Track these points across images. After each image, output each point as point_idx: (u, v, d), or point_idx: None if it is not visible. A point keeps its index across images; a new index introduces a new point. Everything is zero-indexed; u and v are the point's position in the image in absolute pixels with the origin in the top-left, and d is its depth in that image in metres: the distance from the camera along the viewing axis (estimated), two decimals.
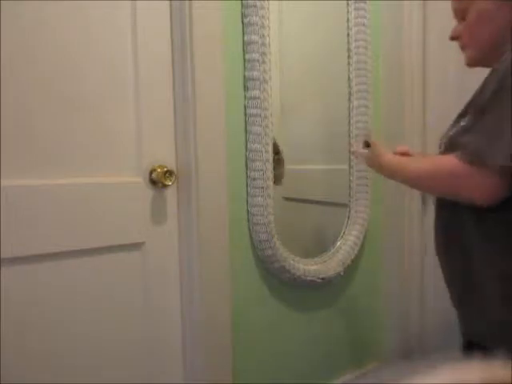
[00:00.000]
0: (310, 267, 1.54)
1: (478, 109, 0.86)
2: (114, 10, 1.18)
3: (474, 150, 0.83)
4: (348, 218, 1.70)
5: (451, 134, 0.96)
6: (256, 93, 1.35)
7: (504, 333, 0.88)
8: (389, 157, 1.09)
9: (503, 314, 0.89)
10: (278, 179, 1.51)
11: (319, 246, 1.68)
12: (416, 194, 1.79)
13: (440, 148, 1.01)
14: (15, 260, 1.04)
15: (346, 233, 1.68)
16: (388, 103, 1.78)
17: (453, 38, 1.02)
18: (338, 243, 1.66)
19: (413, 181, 1.01)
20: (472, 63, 1.01)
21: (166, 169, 1.23)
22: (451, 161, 0.86)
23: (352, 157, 1.65)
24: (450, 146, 0.94)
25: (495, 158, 0.80)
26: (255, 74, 1.35)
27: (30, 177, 1.07)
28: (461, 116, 0.96)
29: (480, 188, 0.84)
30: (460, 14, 0.98)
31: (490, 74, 0.87)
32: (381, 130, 1.76)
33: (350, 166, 1.68)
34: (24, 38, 1.05)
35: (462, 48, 1.02)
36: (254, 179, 1.37)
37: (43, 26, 1.07)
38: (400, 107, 1.76)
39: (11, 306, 1.04)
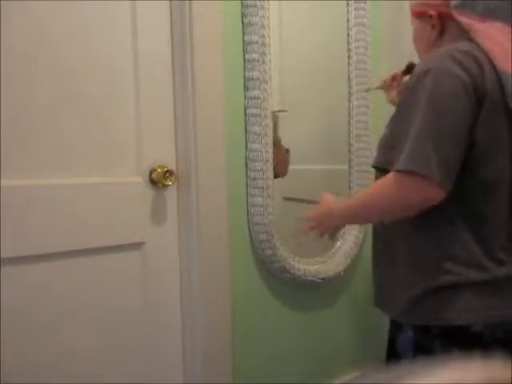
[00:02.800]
0: (309, 267, 1.54)
1: (392, 117, 0.99)
2: (114, 10, 1.18)
3: (402, 160, 0.88)
4: None
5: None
6: (256, 93, 1.35)
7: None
8: (336, 206, 1.08)
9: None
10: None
11: (319, 245, 1.68)
12: None
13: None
14: (15, 260, 1.04)
15: (345, 233, 1.68)
16: (388, 103, 1.78)
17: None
18: (338, 243, 1.66)
19: (363, 209, 1.00)
20: None
21: (165, 169, 1.23)
22: (387, 177, 0.91)
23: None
24: (378, 150, 1.04)
25: (426, 169, 0.85)
26: (255, 74, 1.35)
27: (30, 177, 1.07)
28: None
29: (426, 189, 0.88)
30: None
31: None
32: (381, 130, 1.75)
33: (350, 166, 1.68)
34: (24, 39, 1.05)
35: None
36: (254, 179, 1.37)
37: (43, 26, 1.07)
38: None
39: (11, 305, 1.04)
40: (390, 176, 0.90)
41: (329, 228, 1.13)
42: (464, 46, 0.92)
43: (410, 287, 0.96)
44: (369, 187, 1.03)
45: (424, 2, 1.02)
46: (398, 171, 0.88)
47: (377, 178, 1.01)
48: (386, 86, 1.38)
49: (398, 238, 1.00)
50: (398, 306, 0.99)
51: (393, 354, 1.04)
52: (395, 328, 1.03)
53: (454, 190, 0.88)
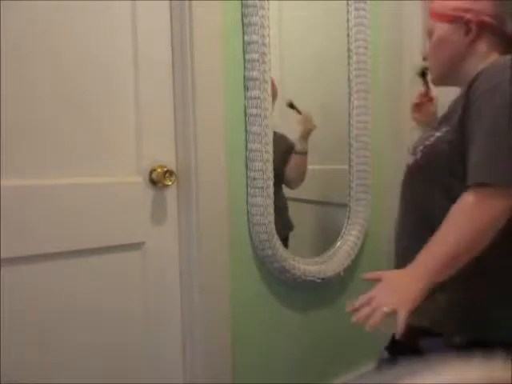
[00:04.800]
0: (309, 267, 1.54)
1: (480, 127, 0.86)
2: (114, 10, 1.18)
3: (494, 172, 0.82)
4: (348, 218, 1.69)
5: (427, 142, 0.97)
6: (256, 93, 1.35)
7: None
8: (414, 265, 0.86)
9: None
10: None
11: (319, 246, 1.68)
12: None
13: (415, 155, 1.01)
14: (15, 260, 1.04)
15: (345, 233, 1.68)
16: (388, 103, 1.78)
17: (424, 58, 1.10)
18: (338, 243, 1.66)
19: (456, 245, 0.83)
20: (437, 82, 1.09)
21: (165, 169, 1.23)
22: (466, 199, 0.83)
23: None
24: (428, 154, 0.96)
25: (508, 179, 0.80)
26: (255, 73, 1.35)
27: (30, 177, 1.07)
28: (436, 128, 0.99)
29: (504, 203, 0.82)
30: (429, 35, 1.05)
31: (467, 90, 0.90)
32: (381, 131, 1.76)
33: (350, 166, 1.68)
34: (24, 39, 1.05)
35: (429, 68, 1.09)
36: (254, 179, 1.37)
37: (43, 26, 1.07)
38: (400, 107, 1.76)
39: (11, 306, 1.04)
40: (483, 193, 0.82)
41: (407, 303, 0.80)
42: None
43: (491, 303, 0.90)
44: (449, 222, 0.84)
45: (459, 7, 0.97)
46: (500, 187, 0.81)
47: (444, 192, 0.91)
48: (414, 107, 1.29)
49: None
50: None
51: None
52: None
53: None
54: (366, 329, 0.78)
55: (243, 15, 1.34)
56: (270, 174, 1.39)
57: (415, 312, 0.88)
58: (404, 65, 1.76)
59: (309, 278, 1.52)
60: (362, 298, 0.83)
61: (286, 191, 1.62)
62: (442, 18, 1.01)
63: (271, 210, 1.40)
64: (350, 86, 1.66)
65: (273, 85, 1.42)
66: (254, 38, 1.34)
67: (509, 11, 0.95)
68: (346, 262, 1.63)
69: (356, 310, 0.83)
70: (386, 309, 0.78)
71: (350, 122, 1.67)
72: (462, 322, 0.92)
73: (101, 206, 1.16)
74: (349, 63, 1.65)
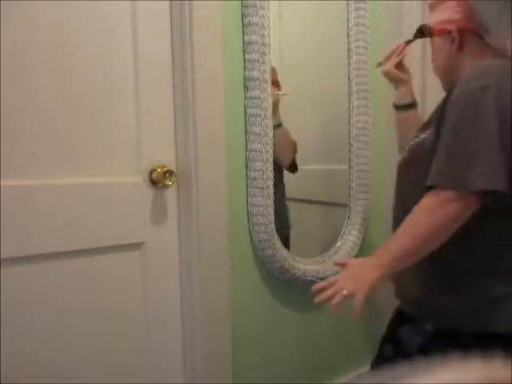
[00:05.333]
0: (309, 267, 1.54)
1: (445, 131, 0.92)
2: (114, 10, 1.18)
3: (453, 177, 0.88)
4: (348, 217, 1.70)
5: (414, 142, 1.04)
6: (256, 93, 1.35)
7: None
8: (375, 255, 0.95)
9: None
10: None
11: (319, 246, 1.68)
12: None
13: (403, 154, 1.08)
14: (15, 260, 1.04)
15: (345, 233, 1.68)
16: (388, 103, 1.78)
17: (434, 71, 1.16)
18: (338, 243, 1.66)
19: (414, 240, 0.91)
20: (443, 88, 1.13)
21: (165, 169, 1.23)
22: (429, 199, 0.90)
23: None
24: (414, 153, 1.03)
25: (476, 182, 0.86)
26: (255, 73, 1.35)
27: (30, 177, 1.07)
28: (423, 128, 1.05)
29: (464, 206, 0.88)
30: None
31: (447, 95, 0.96)
32: (381, 131, 1.76)
33: (350, 166, 1.68)
34: (24, 39, 1.05)
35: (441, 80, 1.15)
36: (254, 179, 1.37)
37: (43, 26, 1.07)
38: None
39: (11, 306, 1.04)
40: (445, 195, 0.87)
41: (365, 287, 0.90)
42: (505, 61, 0.93)
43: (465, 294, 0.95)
44: (410, 217, 0.91)
45: (443, 19, 1.05)
46: (462, 191, 0.86)
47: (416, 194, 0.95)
48: (386, 58, 1.33)
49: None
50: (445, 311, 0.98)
51: (392, 341, 1.07)
52: (402, 316, 1.05)
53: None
54: (328, 308, 0.90)
55: (243, 15, 1.34)
56: (270, 174, 1.40)
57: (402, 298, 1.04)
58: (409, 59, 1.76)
59: (309, 278, 1.52)
60: (328, 281, 0.93)
61: (287, 191, 1.62)
62: (434, 33, 1.09)
63: (271, 210, 1.40)
64: (349, 86, 1.66)
65: (275, 79, 1.41)
66: (254, 38, 1.34)
67: (488, 17, 0.99)
68: None
69: (320, 290, 0.93)
70: (345, 292, 0.89)
71: (350, 121, 1.67)
72: (430, 310, 1.01)
73: (101, 205, 1.16)
74: (349, 63, 1.65)
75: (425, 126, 1.05)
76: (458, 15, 1.02)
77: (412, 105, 1.29)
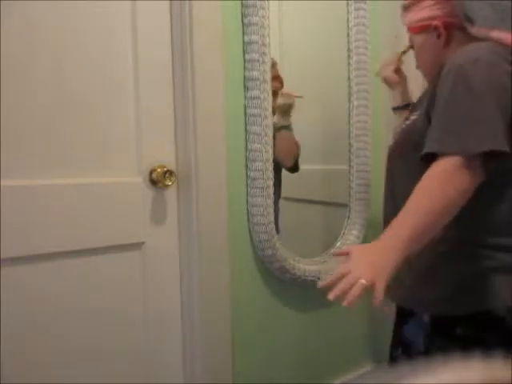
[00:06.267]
0: (309, 267, 1.54)
1: (440, 103, 0.91)
2: (114, 10, 1.18)
3: (454, 141, 0.86)
4: (348, 217, 1.70)
5: (405, 124, 1.06)
6: (256, 93, 1.35)
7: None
8: (386, 235, 0.84)
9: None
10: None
11: (319, 246, 1.68)
12: None
13: (394, 138, 1.12)
14: (15, 260, 1.04)
15: (345, 233, 1.68)
16: (388, 103, 1.78)
17: (417, 67, 1.17)
18: (338, 243, 1.66)
19: (431, 212, 0.83)
20: (429, 82, 1.12)
21: (165, 169, 1.23)
22: (436, 170, 0.86)
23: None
24: (399, 141, 1.06)
25: (479, 144, 0.84)
26: (255, 73, 1.35)
27: (30, 177, 1.07)
28: (412, 111, 1.07)
29: (473, 173, 0.85)
30: (413, 46, 1.15)
31: (437, 75, 0.96)
32: (381, 130, 1.76)
33: (350, 166, 1.68)
34: (25, 40, 1.05)
35: (423, 75, 1.16)
36: (254, 179, 1.37)
37: (43, 27, 1.07)
38: None
39: (11, 306, 1.04)
40: (455, 161, 0.83)
41: (385, 273, 0.77)
42: (490, 43, 0.94)
43: (449, 275, 0.95)
44: (420, 193, 0.84)
45: (425, 16, 1.05)
46: (473, 153, 0.83)
47: (422, 171, 0.91)
48: (382, 66, 1.38)
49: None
50: (428, 297, 0.98)
51: (400, 344, 1.05)
52: (403, 316, 1.05)
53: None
54: (343, 305, 0.74)
55: (243, 15, 1.34)
56: (270, 174, 1.40)
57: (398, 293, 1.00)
58: (404, 65, 1.75)
59: (309, 278, 1.52)
60: (337, 273, 0.77)
61: (287, 191, 1.61)
62: (415, 30, 1.10)
63: (271, 210, 1.40)
64: (349, 86, 1.66)
65: (277, 74, 1.42)
66: (254, 38, 1.34)
67: (473, 8, 1.00)
68: None
69: (329, 285, 0.77)
70: (364, 281, 0.74)
71: (350, 121, 1.67)
72: (423, 302, 1.00)
73: (101, 206, 1.16)
74: (349, 63, 1.66)
75: (413, 109, 1.07)
76: (440, 12, 1.03)
77: (406, 106, 1.33)
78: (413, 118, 1.03)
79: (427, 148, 0.88)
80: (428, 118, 0.95)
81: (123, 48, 1.20)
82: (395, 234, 0.82)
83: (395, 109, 1.37)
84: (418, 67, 1.16)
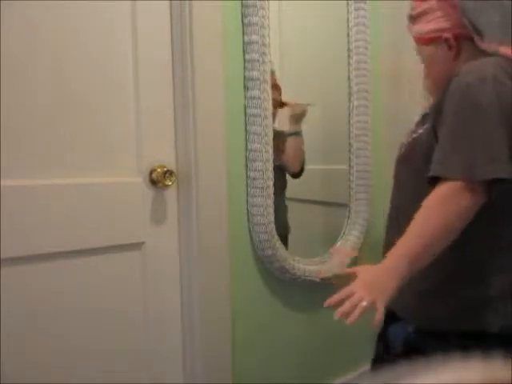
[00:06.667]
0: (309, 267, 1.54)
1: (446, 122, 0.91)
2: (114, 10, 1.18)
3: (458, 166, 0.87)
4: (348, 217, 1.70)
5: (413, 136, 1.05)
6: (256, 93, 1.35)
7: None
8: (388, 261, 0.89)
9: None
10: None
11: (319, 246, 1.68)
12: None
13: (400, 151, 1.09)
14: (15, 260, 1.04)
15: (345, 233, 1.68)
16: (388, 103, 1.78)
17: (424, 78, 1.15)
18: (338, 243, 1.66)
19: (430, 238, 0.87)
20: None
21: (165, 169, 1.23)
22: (438, 193, 0.87)
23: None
24: (405, 154, 1.05)
25: (483, 171, 0.84)
26: (255, 73, 1.35)
27: (30, 177, 1.07)
28: (421, 122, 1.06)
29: (473, 197, 0.86)
30: (420, 56, 1.12)
31: (444, 93, 0.95)
32: (381, 130, 1.76)
33: (350, 166, 1.68)
34: (25, 40, 1.05)
35: (428, 88, 1.15)
36: (254, 179, 1.37)
37: (43, 27, 1.07)
38: (400, 107, 1.76)
39: (11, 306, 1.04)
40: (456, 186, 0.85)
41: (385, 296, 0.85)
42: (497, 58, 0.94)
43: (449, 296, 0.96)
44: (422, 216, 0.87)
45: (435, 28, 1.04)
46: (471, 180, 0.84)
47: (413, 188, 0.94)
48: None
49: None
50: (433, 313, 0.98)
51: (382, 340, 1.08)
52: (391, 316, 1.06)
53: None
54: (346, 323, 0.84)
55: (243, 15, 1.34)
56: (270, 174, 1.40)
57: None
58: (404, 65, 1.76)
59: (309, 278, 1.52)
60: (342, 293, 0.87)
61: (287, 191, 1.62)
62: (424, 42, 1.08)
63: (271, 210, 1.40)
64: (349, 86, 1.66)
65: (275, 83, 1.43)
66: (254, 38, 1.34)
67: (483, 22, 0.99)
68: (346, 262, 1.63)
69: (334, 305, 0.88)
70: (365, 303, 0.83)
71: (350, 121, 1.67)
72: (413, 311, 1.02)
73: (101, 205, 1.16)
74: (349, 63, 1.66)
75: (421, 122, 1.07)
76: (449, 23, 1.02)
77: None
78: (419, 131, 1.03)
79: (432, 171, 0.89)
80: (434, 132, 0.94)
81: (123, 48, 1.20)
82: (397, 259, 0.87)
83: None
84: (426, 78, 1.14)
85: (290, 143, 1.58)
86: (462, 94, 0.90)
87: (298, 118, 1.59)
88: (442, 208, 0.86)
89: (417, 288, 0.99)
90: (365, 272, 0.90)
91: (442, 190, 0.86)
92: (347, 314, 0.84)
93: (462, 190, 0.84)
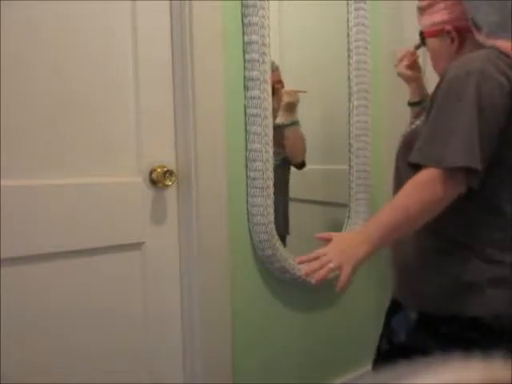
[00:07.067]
0: None
1: (430, 113, 0.95)
2: (114, 10, 1.18)
3: (429, 154, 0.91)
4: (348, 217, 1.69)
5: (408, 130, 1.09)
6: (256, 93, 1.35)
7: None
8: (361, 230, 0.97)
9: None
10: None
11: (319, 246, 1.67)
12: None
13: (400, 143, 1.12)
14: (15, 260, 1.04)
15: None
16: (388, 103, 1.78)
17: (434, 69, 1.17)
18: None
19: (406, 217, 0.91)
20: None
21: (165, 169, 1.23)
22: (418, 177, 0.91)
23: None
24: (404, 144, 1.07)
25: (450, 159, 0.88)
26: (255, 73, 1.35)
27: (30, 177, 1.07)
28: (417, 116, 1.10)
29: (451, 184, 0.90)
30: (428, 49, 1.15)
31: (437, 89, 0.97)
32: (381, 130, 1.76)
33: (350, 166, 1.68)
34: (25, 40, 1.05)
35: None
36: (254, 179, 1.37)
37: (43, 27, 1.07)
38: (400, 107, 1.76)
39: (11, 306, 1.04)
40: (434, 173, 0.89)
41: (352, 260, 0.88)
42: (492, 52, 0.95)
43: (437, 280, 1.00)
44: (401, 194, 0.92)
45: (437, 21, 1.05)
46: (447, 167, 0.88)
47: (408, 177, 0.97)
48: (398, 60, 1.36)
49: (430, 232, 0.99)
50: (425, 295, 1.02)
51: (386, 332, 1.11)
52: (395, 305, 1.09)
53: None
54: (312, 281, 0.89)
55: (243, 15, 1.34)
56: (270, 174, 1.39)
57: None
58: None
59: (309, 278, 1.52)
60: (313, 254, 0.91)
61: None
62: (429, 35, 1.10)
63: (271, 210, 1.40)
64: (349, 86, 1.66)
65: (279, 79, 1.43)
66: (254, 38, 1.34)
67: (481, 15, 1.00)
68: None
69: (304, 262, 0.94)
70: (332, 264, 0.87)
71: (350, 121, 1.67)
72: (410, 297, 1.05)
73: (101, 205, 1.16)
74: (349, 63, 1.66)
75: (419, 114, 1.10)
76: (451, 16, 1.03)
77: (420, 102, 1.33)
78: (417, 123, 1.06)
79: (410, 157, 0.94)
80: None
81: (123, 48, 1.20)
82: (370, 228, 0.94)
83: (410, 104, 1.37)
84: (434, 70, 1.16)
85: (289, 133, 1.57)
86: (447, 86, 0.93)
87: (292, 106, 1.59)
88: (419, 193, 0.90)
89: (415, 274, 1.04)
90: (338, 238, 0.95)
91: (420, 176, 0.91)
92: (314, 272, 0.88)
93: (439, 178, 0.88)
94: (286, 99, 1.57)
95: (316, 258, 0.90)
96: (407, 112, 1.37)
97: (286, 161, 1.58)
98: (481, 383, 0.35)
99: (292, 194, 1.63)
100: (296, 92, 1.56)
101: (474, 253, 0.98)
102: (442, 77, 0.96)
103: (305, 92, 1.57)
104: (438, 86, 0.96)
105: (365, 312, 1.76)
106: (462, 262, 0.98)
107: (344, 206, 1.70)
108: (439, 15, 1.05)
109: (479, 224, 0.98)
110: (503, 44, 0.96)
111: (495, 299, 0.96)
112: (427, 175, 0.90)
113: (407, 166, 0.96)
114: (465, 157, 0.87)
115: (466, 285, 0.97)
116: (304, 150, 1.63)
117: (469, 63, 0.93)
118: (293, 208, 1.63)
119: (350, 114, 1.67)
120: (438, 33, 1.06)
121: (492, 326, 0.95)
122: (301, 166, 1.63)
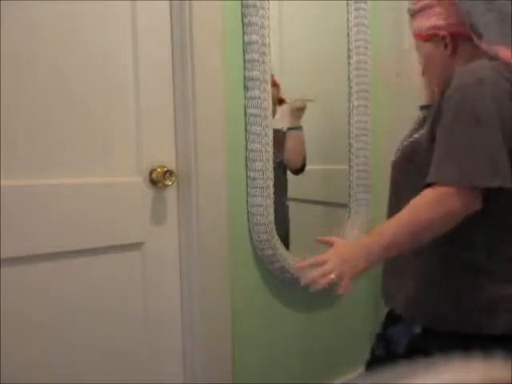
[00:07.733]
0: (310, 267, 1.54)
1: (443, 126, 0.91)
2: (114, 10, 1.18)
3: (452, 173, 0.87)
4: (348, 217, 1.70)
5: (409, 140, 1.05)
6: (256, 93, 1.35)
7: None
8: (364, 241, 0.93)
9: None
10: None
11: (319, 246, 1.67)
12: None
13: (398, 152, 1.09)
14: (15, 260, 1.04)
15: (345, 233, 1.68)
16: (388, 103, 1.78)
17: (422, 74, 1.14)
18: None
19: (412, 233, 0.88)
20: (427, 99, 1.13)
21: (165, 169, 1.23)
22: (429, 193, 0.88)
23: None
24: (403, 156, 1.04)
25: (476, 178, 0.85)
26: (255, 73, 1.35)
27: (30, 177, 1.07)
28: (416, 128, 1.06)
29: (464, 203, 0.86)
30: (418, 53, 1.11)
31: (443, 95, 0.94)
32: (381, 130, 1.76)
33: (350, 166, 1.68)
34: (25, 40, 1.05)
35: (425, 84, 1.14)
36: (254, 179, 1.37)
37: (43, 27, 1.07)
38: (400, 107, 1.76)
39: (11, 306, 1.04)
40: (449, 190, 0.85)
41: (353, 273, 0.88)
42: (495, 62, 0.93)
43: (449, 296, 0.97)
44: (408, 209, 0.88)
45: (432, 25, 1.03)
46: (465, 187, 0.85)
47: (409, 190, 0.95)
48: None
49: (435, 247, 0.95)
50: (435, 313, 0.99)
51: (382, 339, 1.08)
52: (394, 317, 1.06)
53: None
54: (311, 290, 0.88)
55: (243, 15, 1.34)
56: (270, 174, 1.40)
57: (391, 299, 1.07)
58: (404, 64, 1.76)
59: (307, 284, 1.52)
60: (313, 260, 0.89)
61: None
62: (422, 38, 1.07)
63: (271, 210, 1.40)
64: (350, 86, 1.66)
65: (274, 83, 1.43)
66: (254, 38, 1.34)
67: (483, 23, 0.98)
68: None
69: (303, 267, 0.92)
70: (333, 276, 0.86)
71: (350, 121, 1.67)
72: (418, 312, 1.01)
73: (101, 205, 1.16)
74: (349, 63, 1.66)
75: (418, 126, 1.06)
76: (447, 21, 1.01)
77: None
78: (415, 136, 1.02)
79: (428, 178, 0.89)
80: (433, 135, 0.94)
81: (123, 48, 1.20)
82: (374, 238, 0.90)
83: (421, 108, 1.36)
84: (423, 75, 1.13)
85: (290, 137, 1.58)
86: (459, 97, 0.89)
87: (297, 112, 1.59)
88: (429, 204, 0.87)
89: (420, 288, 1.00)
90: (341, 244, 0.94)
91: (434, 190, 0.87)
92: (314, 282, 0.87)
93: (452, 194, 0.85)
94: (293, 106, 1.59)
95: (315, 264, 0.89)
96: (407, 112, 1.37)
97: (282, 164, 1.58)
98: (481, 383, 0.35)
99: (292, 194, 1.63)
100: (304, 100, 1.58)
101: (487, 271, 0.94)
102: (449, 84, 0.92)
103: (312, 100, 1.59)
104: (443, 95, 0.92)
105: (364, 312, 1.76)
106: (476, 280, 0.94)
107: (344, 206, 1.70)
108: (434, 20, 1.02)
109: (493, 240, 0.94)
110: (506, 52, 0.94)
111: (504, 318, 0.92)
112: (440, 190, 0.86)
113: (413, 181, 0.92)
114: (492, 175, 0.83)
115: (481, 303, 0.93)
116: (303, 157, 1.62)
117: (477, 70, 0.91)
118: (293, 208, 1.63)
119: (349, 114, 1.67)
120: (432, 37, 1.04)
121: (508, 346, 0.90)
122: (298, 171, 1.63)
